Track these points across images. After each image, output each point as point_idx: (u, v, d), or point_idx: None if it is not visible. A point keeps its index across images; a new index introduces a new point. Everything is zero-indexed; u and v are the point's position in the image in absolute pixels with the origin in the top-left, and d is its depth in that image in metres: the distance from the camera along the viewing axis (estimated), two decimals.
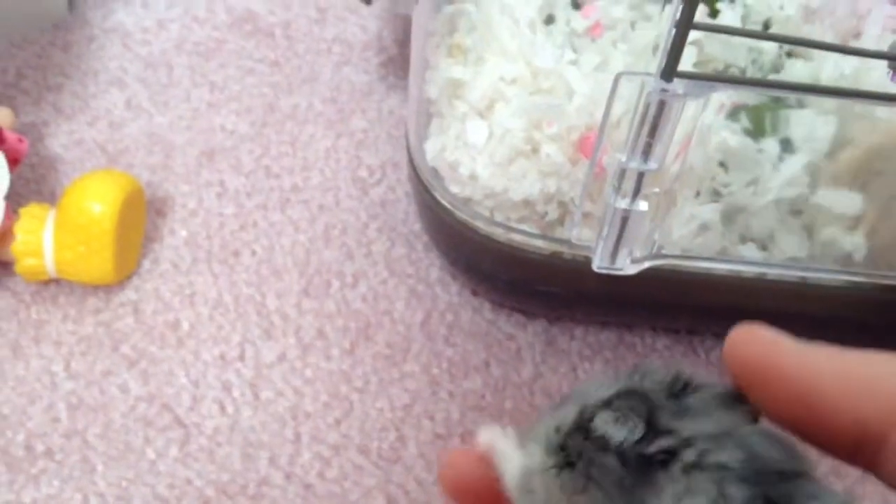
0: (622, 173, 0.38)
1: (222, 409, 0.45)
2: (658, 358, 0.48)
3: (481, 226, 0.44)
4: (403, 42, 0.60)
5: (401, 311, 0.49)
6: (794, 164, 0.43)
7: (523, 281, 0.46)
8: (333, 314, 0.49)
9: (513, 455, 0.22)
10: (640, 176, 0.38)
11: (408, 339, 0.48)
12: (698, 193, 0.42)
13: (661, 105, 0.36)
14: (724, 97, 0.40)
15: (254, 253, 0.51)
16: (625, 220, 0.40)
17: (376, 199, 0.54)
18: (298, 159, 0.55)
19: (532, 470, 0.21)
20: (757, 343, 0.21)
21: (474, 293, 0.50)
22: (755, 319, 0.45)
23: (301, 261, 0.51)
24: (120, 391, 0.45)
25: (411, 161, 0.48)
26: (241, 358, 0.47)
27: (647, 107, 0.36)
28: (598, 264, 0.41)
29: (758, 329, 0.21)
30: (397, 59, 0.60)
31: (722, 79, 0.38)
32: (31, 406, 0.45)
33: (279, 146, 0.56)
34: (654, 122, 0.36)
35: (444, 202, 0.45)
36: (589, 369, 0.48)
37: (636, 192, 0.39)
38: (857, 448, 0.19)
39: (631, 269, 0.41)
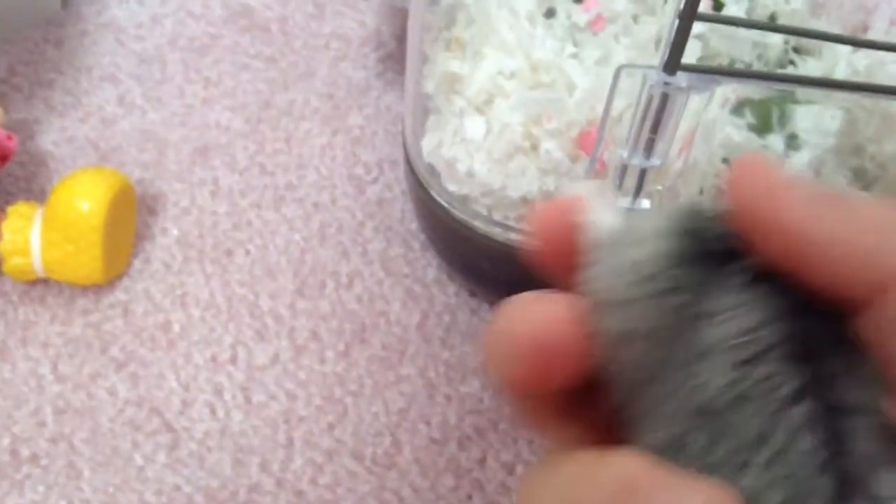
0: (624, 170, 0.37)
1: (213, 412, 0.44)
2: None
3: (479, 224, 0.43)
4: (402, 37, 0.59)
5: (397, 313, 0.48)
6: (800, 161, 0.42)
7: (522, 281, 0.45)
8: (328, 315, 0.48)
9: (606, 215, 0.20)
10: (643, 172, 0.37)
11: (404, 341, 0.47)
12: (702, 191, 0.41)
13: (664, 99, 0.34)
14: (728, 91, 0.39)
15: (247, 252, 0.50)
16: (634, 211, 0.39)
17: (373, 197, 0.53)
18: (294, 156, 0.54)
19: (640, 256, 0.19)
20: (761, 185, 0.18)
21: (472, 294, 0.49)
22: None
23: (295, 260, 0.50)
24: (108, 394, 0.44)
25: (408, 158, 0.47)
26: (233, 360, 0.46)
27: (649, 101, 0.35)
28: None
29: (765, 167, 0.18)
30: (395, 55, 0.59)
31: (726, 72, 0.36)
32: (16, 409, 0.43)
33: (274, 143, 0.55)
34: (656, 116, 0.35)
35: (440, 200, 0.44)
36: None
37: (638, 190, 0.38)
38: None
39: None
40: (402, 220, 0.52)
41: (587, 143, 0.41)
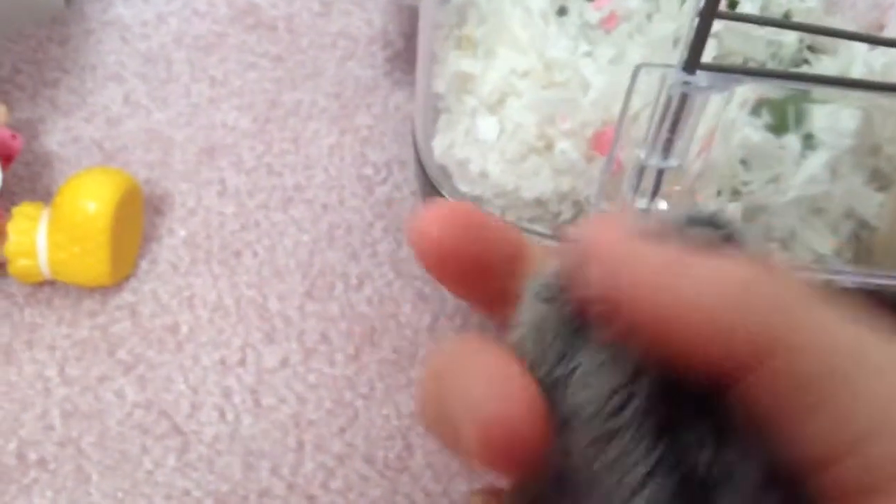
0: (641, 171, 0.37)
1: (222, 416, 0.43)
2: None
3: None
4: (410, 36, 0.59)
5: (407, 315, 0.47)
6: (816, 161, 0.41)
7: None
8: (337, 317, 0.47)
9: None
10: (660, 173, 0.37)
11: (415, 343, 0.47)
12: (719, 192, 0.40)
13: (684, 98, 0.34)
14: (748, 91, 0.39)
15: (255, 254, 0.49)
16: (649, 213, 0.38)
17: (382, 197, 0.52)
18: (301, 157, 0.53)
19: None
20: (613, 255, 0.18)
21: None
22: None
23: (304, 262, 0.49)
24: (116, 397, 0.44)
25: (418, 158, 0.47)
26: (242, 363, 0.45)
27: (668, 100, 0.34)
28: None
29: (614, 236, 0.18)
30: (403, 54, 0.58)
31: (747, 71, 0.36)
32: (23, 413, 0.43)
33: (281, 143, 0.54)
34: (675, 116, 0.35)
35: (453, 198, 0.44)
36: None
37: (655, 191, 0.37)
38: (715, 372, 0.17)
39: None
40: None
41: (602, 144, 0.40)
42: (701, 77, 0.33)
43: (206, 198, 0.51)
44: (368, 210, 0.51)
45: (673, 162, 0.36)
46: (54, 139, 0.53)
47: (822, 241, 0.41)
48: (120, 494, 0.41)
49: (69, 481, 0.41)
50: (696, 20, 0.32)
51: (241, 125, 0.55)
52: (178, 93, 0.56)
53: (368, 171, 0.53)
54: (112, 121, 0.54)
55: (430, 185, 0.45)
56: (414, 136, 0.47)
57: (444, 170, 0.44)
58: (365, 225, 0.51)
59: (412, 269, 0.49)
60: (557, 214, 0.42)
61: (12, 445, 0.42)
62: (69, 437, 0.42)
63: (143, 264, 0.48)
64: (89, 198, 0.45)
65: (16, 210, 0.46)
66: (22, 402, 0.43)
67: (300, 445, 0.43)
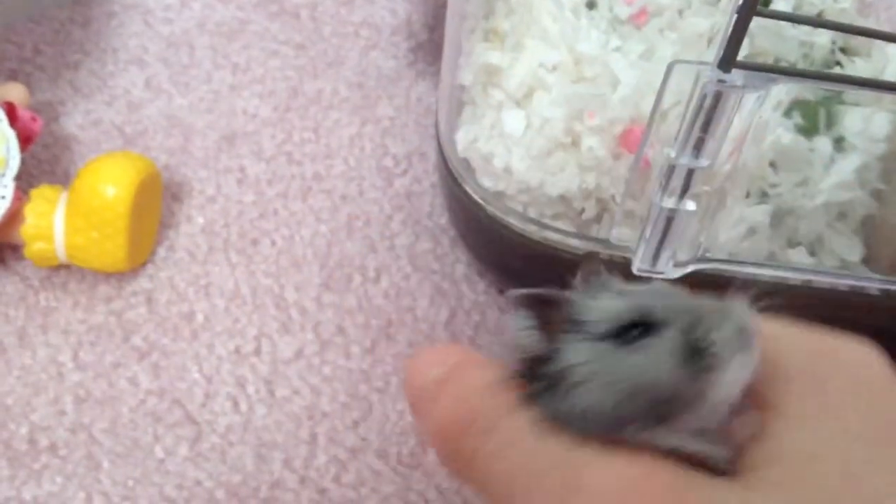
0: (670, 170, 0.36)
1: (236, 406, 0.43)
2: None
3: (514, 222, 0.42)
4: (433, 27, 0.58)
5: (424, 309, 0.47)
6: (847, 167, 0.41)
7: (556, 282, 0.43)
8: (354, 310, 0.47)
9: None
10: (690, 173, 0.36)
11: (431, 338, 0.46)
12: (748, 194, 0.39)
13: (718, 97, 0.33)
14: (783, 92, 0.38)
15: (273, 243, 0.49)
16: (670, 220, 0.37)
17: (401, 190, 0.51)
18: (322, 146, 0.53)
19: None
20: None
21: (502, 292, 0.47)
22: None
23: (322, 253, 0.49)
24: (129, 384, 0.43)
25: (441, 151, 0.46)
26: (257, 353, 0.45)
27: (702, 99, 0.33)
28: (639, 267, 0.39)
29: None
30: (427, 45, 0.57)
31: (783, 70, 0.35)
32: (35, 397, 0.43)
33: (302, 132, 0.53)
34: (708, 115, 0.34)
35: (474, 196, 0.43)
36: None
37: (684, 191, 0.36)
38: None
39: (673, 273, 0.39)
40: (431, 215, 0.50)
41: (630, 141, 0.39)
42: (736, 76, 0.33)
43: (225, 185, 0.51)
44: (387, 202, 0.51)
45: (703, 162, 0.35)
46: (74, 122, 0.53)
47: (850, 248, 0.40)
48: (130, 482, 0.40)
49: (80, 468, 0.41)
50: (734, 17, 0.31)
51: (262, 113, 0.54)
52: (200, 78, 0.55)
53: (388, 162, 0.52)
54: (133, 105, 0.54)
55: (451, 179, 0.45)
56: (437, 129, 0.47)
57: (466, 163, 0.44)
58: (384, 217, 0.50)
59: (429, 262, 0.49)
60: (581, 212, 0.41)
61: (24, 430, 0.41)
62: (81, 422, 0.42)
63: (161, 251, 0.48)
64: (109, 182, 0.44)
65: (34, 192, 0.45)
66: (35, 386, 0.43)
67: (313, 438, 0.42)
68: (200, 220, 0.49)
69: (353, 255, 0.49)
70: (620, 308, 0.23)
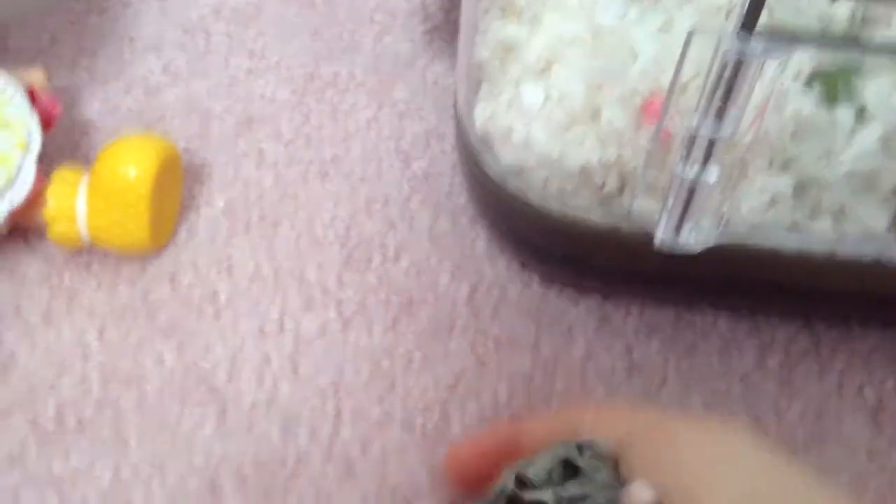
0: (691, 140, 0.36)
1: (260, 382, 0.43)
2: (719, 340, 0.46)
3: (533, 197, 0.42)
4: (449, 9, 0.58)
5: (445, 286, 0.47)
6: (869, 137, 0.41)
7: (577, 256, 0.44)
8: (375, 288, 0.47)
9: None
10: (711, 143, 0.36)
11: (452, 315, 0.46)
12: (771, 163, 0.40)
13: (738, 65, 0.33)
14: (802, 61, 0.38)
15: (293, 225, 0.49)
16: (692, 191, 0.38)
17: (419, 171, 0.52)
18: (339, 129, 0.53)
19: None
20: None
21: (523, 267, 0.48)
22: (825, 298, 0.42)
23: (342, 233, 0.49)
24: (155, 362, 0.44)
25: (459, 129, 0.46)
26: (280, 331, 0.45)
27: (722, 67, 0.34)
28: (661, 239, 0.39)
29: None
30: (443, 27, 0.58)
31: (804, 37, 0.35)
32: (62, 376, 0.43)
33: (319, 116, 0.54)
34: (728, 84, 0.34)
35: (493, 172, 0.43)
36: (645, 349, 0.45)
37: (706, 161, 0.37)
38: None
39: (696, 245, 0.39)
40: (450, 195, 0.51)
41: (651, 113, 0.40)
42: (757, 43, 0.33)
43: (244, 168, 0.51)
44: (406, 183, 0.51)
45: (725, 132, 0.36)
46: (93, 108, 0.53)
47: (876, 217, 0.40)
48: (158, 457, 0.41)
49: (107, 443, 0.41)
50: None
51: (280, 97, 0.54)
52: (217, 64, 0.56)
53: (406, 144, 0.53)
54: (150, 91, 0.54)
55: (470, 156, 0.45)
56: (455, 107, 0.47)
57: (485, 140, 0.44)
58: (402, 198, 0.51)
59: (450, 241, 0.49)
60: (602, 185, 0.41)
61: (51, 408, 0.42)
62: (108, 399, 0.42)
63: (182, 233, 0.48)
64: (130, 163, 0.45)
65: (55, 175, 0.46)
66: (61, 365, 0.43)
67: (338, 413, 0.43)
68: (221, 203, 0.50)
69: (373, 235, 0.49)
70: None
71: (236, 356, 0.44)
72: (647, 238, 0.39)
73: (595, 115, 0.40)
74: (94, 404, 0.42)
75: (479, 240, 0.49)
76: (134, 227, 0.45)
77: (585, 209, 0.41)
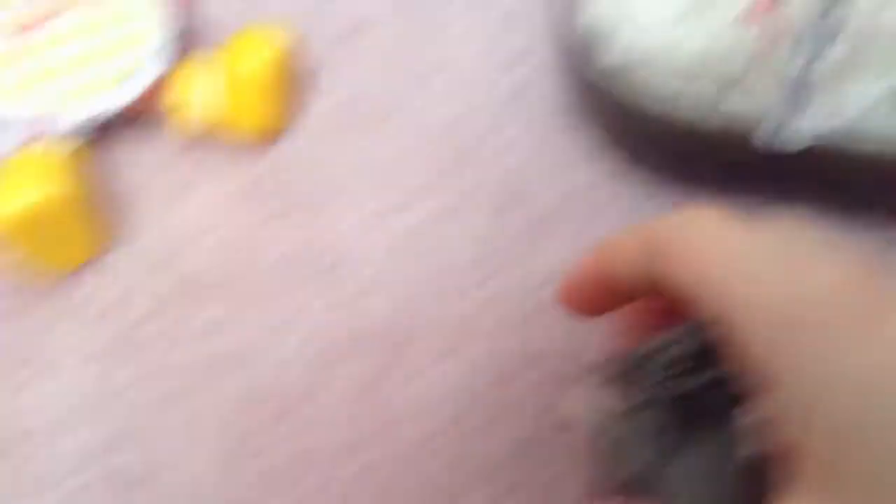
0: (801, 35, 0.37)
1: (371, 263, 0.46)
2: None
3: (640, 96, 0.43)
4: None
5: (546, 186, 0.49)
6: None
7: (684, 155, 0.45)
8: (477, 186, 0.49)
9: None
10: (822, 38, 0.36)
11: (553, 213, 0.48)
12: (882, 62, 0.40)
13: None
14: None
15: (399, 123, 0.51)
16: (799, 89, 0.38)
17: (523, 75, 0.53)
18: (444, 34, 0.55)
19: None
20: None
21: (625, 170, 0.49)
22: None
23: (448, 131, 0.51)
24: (269, 242, 0.46)
25: (563, 29, 0.47)
26: (388, 219, 0.47)
27: None
28: (763, 139, 0.40)
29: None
30: None
31: None
32: (183, 250, 0.46)
33: (425, 20, 0.55)
34: None
35: (599, 72, 0.44)
36: None
37: (814, 58, 0.37)
38: None
39: (798, 145, 0.40)
40: (553, 99, 0.52)
41: (762, 6, 0.40)
42: None
43: (352, 69, 0.53)
44: (509, 87, 0.52)
45: (835, 27, 0.36)
46: (215, 1, 0.55)
47: None
48: (273, 322, 0.43)
49: (226, 310, 0.44)
50: None
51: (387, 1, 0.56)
52: None
53: (510, 48, 0.54)
54: None
55: (575, 57, 0.46)
56: (558, 6, 0.48)
57: (591, 39, 0.45)
58: (505, 101, 0.52)
59: (551, 144, 0.50)
60: (709, 83, 0.42)
61: (174, 278, 0.45)
62: (226, 272, 0.45)
63: (293, 127, 0.50)
64: (249, 55, 0.47)
65: (177, 63, 0.48)
66: (182, 241, 0.46)
67: (443, 293, 0.45)
68: (330, 100, 0.52)
69: (479, 133, 0.50)
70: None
71: (343, 241, 0.46)
72: (747, 140, 0.39)
73: (704, 10, 0.41)
74: (213, 277, 0.45)
75: (582, 143, 0.50)
76: (250, 116, 0.47)
77: (692, 108, 0.42)
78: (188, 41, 0.53)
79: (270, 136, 0.49)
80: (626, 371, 0.28)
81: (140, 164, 0.49)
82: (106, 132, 0.48)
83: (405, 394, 0.41)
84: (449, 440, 0.40)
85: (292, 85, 0.51)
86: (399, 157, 0.49)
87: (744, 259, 0.21)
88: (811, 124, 0.41)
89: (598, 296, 0.29)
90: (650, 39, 0.42)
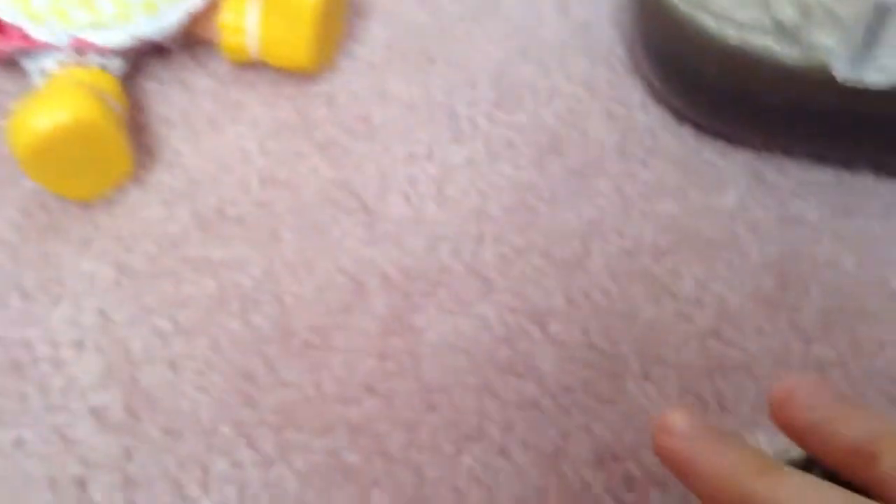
0: None
1: (408, 200, 0.45)
2: (880, 205, 0.44)
3: (707, 25, 0.41)
4: None
5: (596, 130, 0.47)
6: None
7: (747, 93, 0.42)
8: (524, 126, 0.47)
9: None
10: None
11: (601, 157, 0.46)
12: None
13: None
14: None
15: (448, 62, 0.50)
16: (879, 20, 0.36)
17: (579, 19, 0.51)
18: None
19: None
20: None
21: (678, 119, 0.47)
22: None
23: (495, 74, 0.49)
24: (310, 172, 0.45)
25: None
26: (429, 157, 0.46)
27: None
28: (843, 74, 0.37)
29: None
30: None
31: None
32: (224, 175, 0.45)
33: None
34: None
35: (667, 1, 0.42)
36: (800, 206, 0.44)
37: None
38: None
39: (881, 80, 0.37)
40: (608, 45, 0.50)
41: None
42: None
43: (404, 5, 0.52)
44: (564, 30, 0.51)
45: None
46: None
47: None
48: (310, 254, 0.43)
49: (262, 238, 0.43)
50: None
51: None
52: None
53: None
54: None
55: None
56: None
57: None
58: (559, 44, 0.50)
59: (604, 89, 0.48)
60: (782, 12, 0.40)
61: (212, 201, 0.44)
62: (265, 200, 0.44)
63: (343, 59, 0.50)
64: None
65: None
66: (224, 165, 0.46)
67: (480, 236, 0.43)
68: (381, 35, 0.51)
69: (526, 78, 0.49)
70: None
71: (386, 175, 0.45)
72: (826, 74, 0.37)
73: None
74: (252, 203, 0.44)
75: (636, 90, 0.48)
76: (300, 43, 0.46)
77: (762, 39, 0.40)
78: None
79: (319, 66, 0.48)
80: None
81: (189, 88, 0.48)
82: (157, 56, 0.48)
83: (430, 335, 0.41)
84: (466, 386, 0.39)
85: (345, 18, 0.50)
86: (443, 98, 0.48)
87: None
88: (893, 56, 0.38)
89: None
90: None
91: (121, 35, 0.45)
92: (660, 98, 0.47)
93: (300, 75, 0.48)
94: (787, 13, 0.39)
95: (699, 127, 0.46)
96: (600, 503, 0.36)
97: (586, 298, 0.41)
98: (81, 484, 0.36)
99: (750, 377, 0.39)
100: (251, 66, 0.49)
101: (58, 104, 0.41)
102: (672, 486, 0.36)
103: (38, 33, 0.44)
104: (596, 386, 0.39)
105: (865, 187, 0.45)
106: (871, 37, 0.36)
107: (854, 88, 0.37)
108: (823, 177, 0.45)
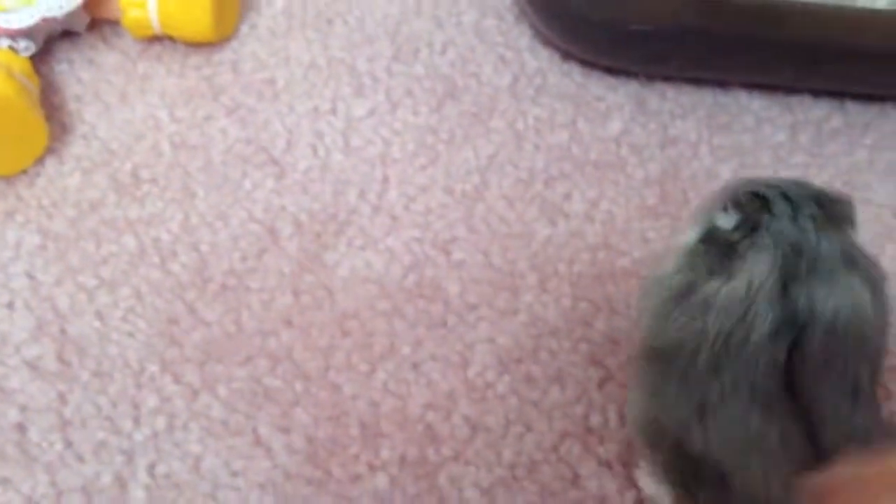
0: None
1: (315, 152, 0.47)
2: (752, 118, 0.48)
3: None
4: None
5: (488, 75, 0.50)
6: None
7: (620, 23, 0.45)
8: (422, 77, 0.50)
9: None
10: None
11: (494, 99, 0.49)
12: None
13: None
14: None
15: (346, 22, 0.52)
16: None
17: None
18: None
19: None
20: None
21: (565, 58, 0.50)
22: (860, 62, 0.42)
23: (391, 30, 0.52)
24: (219, 133, 0.48)
25: None
26: (333, 112, 0.49)
27: None
28: None
29: None
30: None
31: None
32: (136, 143, 0.47)
33: None
34: None
35: None
36: (680, 127, 0.47)
37: None
38: None
39: None
40: None
41: None
42: None
43: None
44: None
45: None
46: None
47: None
48: (223, 207, 0.45)
49: (177, 195, 0.45)
50: None
51: None
52: None
53: None
54: None
55: None
56: None
57: None
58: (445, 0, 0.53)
59: (494, 36, 0.51)
60: None
61: (127, 166, 0.46)
62: (177, 162, 0.47)
63: (244, 28, 0.52)
64: None
65: None
66: (135, 134, 0.48)
67: (385, 178, 0.46)
68: (281, 2, 0.53)
69: (421, 32, 0.52)
70: None
71: (293, 131, 0.48)
72: None
73: None
74: (166, 165, 0.46)
75: (524, 36, 0.51)
76: (200, 15, 0.49)
77: None
78: None
79: (221, 37, 0.50)
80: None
81: (99, 66, 0.50)
82: (66, 38, 0.50)
83: (341, 270, 0.43)
84: (377, 312, 0.42)
85: None
86: (344, 56, 0.51)
87: None
88: None
89: None
90: None
91: (25, 17, 0.47)
92: (546, 41, 0.51)
93: (205, 46, 0.50)
94: None
95: (585, 63, 0.49)
96: (505, 401, 0.39)
97: (486, 226, 0.44)
98: (21, 429, 0.38)
99: (637, 280, 0.42)
100: (157, 42, 0.51)
101: None
102: (569, 382, 0.39)
103: None
104: (497, 301, 0.42)
105: (738, 104, 0.48)
106: None
107: (715, 7, 0.41)
108: (701, 98, 0.48)
